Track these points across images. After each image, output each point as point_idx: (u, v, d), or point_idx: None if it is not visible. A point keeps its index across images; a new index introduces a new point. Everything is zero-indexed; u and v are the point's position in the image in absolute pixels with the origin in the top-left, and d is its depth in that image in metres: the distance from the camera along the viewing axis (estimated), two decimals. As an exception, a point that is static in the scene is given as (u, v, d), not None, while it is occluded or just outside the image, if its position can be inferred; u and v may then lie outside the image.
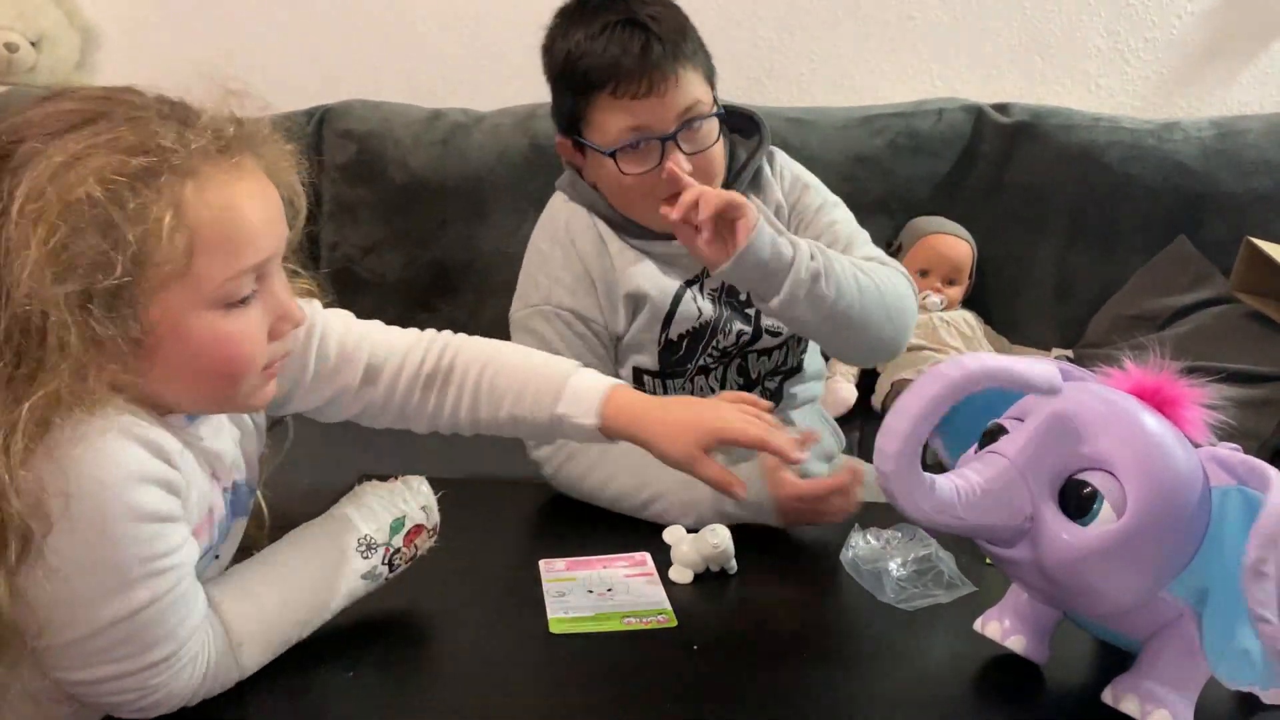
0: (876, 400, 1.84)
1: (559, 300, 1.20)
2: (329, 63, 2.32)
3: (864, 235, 1.27)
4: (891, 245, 1.93)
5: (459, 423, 0.99)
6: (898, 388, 1.78)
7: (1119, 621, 0.77)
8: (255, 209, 0.76)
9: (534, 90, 2.19)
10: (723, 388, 1.24)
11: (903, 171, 1.96)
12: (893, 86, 2.17)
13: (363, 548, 0.88)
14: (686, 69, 1.15)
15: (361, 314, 1.01)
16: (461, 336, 1.01)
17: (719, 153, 1.19)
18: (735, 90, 2.21)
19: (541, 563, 1.02)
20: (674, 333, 1.22)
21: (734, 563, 1.01)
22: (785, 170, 1.30)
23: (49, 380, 0.68)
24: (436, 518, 0.93)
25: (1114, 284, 1.91)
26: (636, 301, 1.21)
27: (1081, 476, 0.71)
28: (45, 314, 0.67)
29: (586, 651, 0.88)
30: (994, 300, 1.97)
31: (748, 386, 1.26)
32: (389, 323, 1.02)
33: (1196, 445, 0.74)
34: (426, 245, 1.99)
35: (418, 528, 0.91)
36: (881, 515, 1.03)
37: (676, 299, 1.22)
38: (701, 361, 1.24)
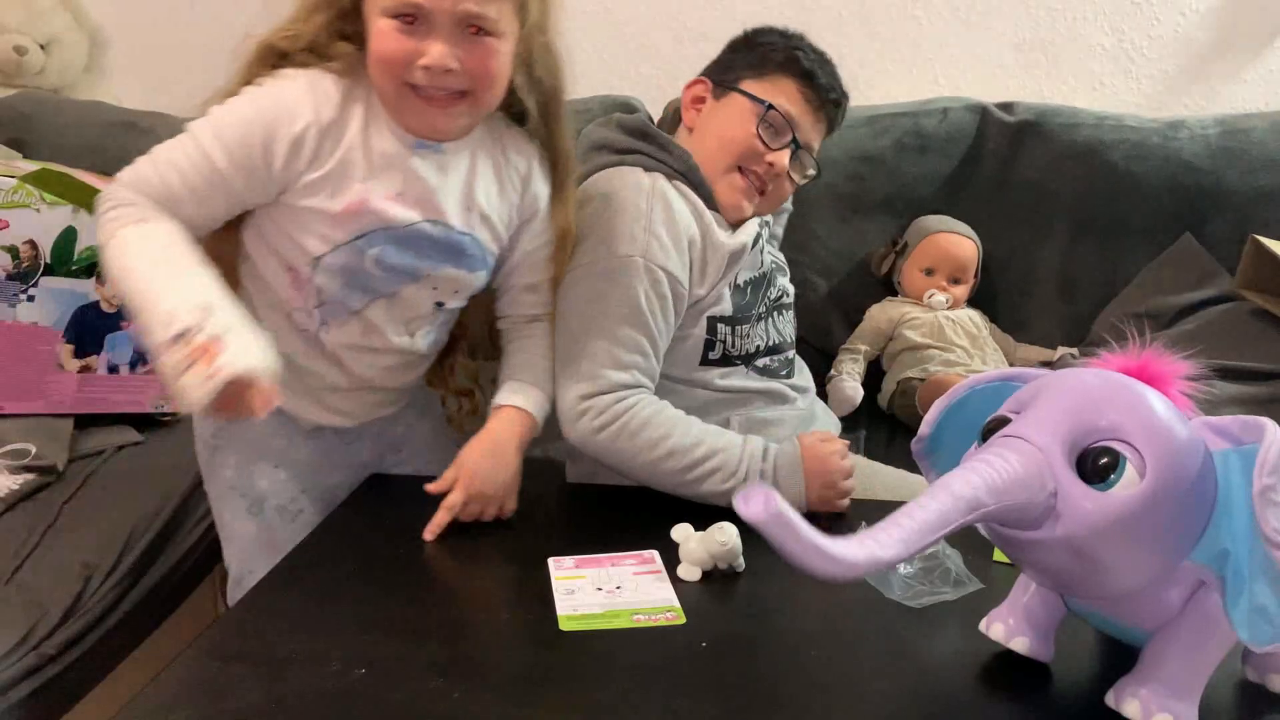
0: (882, 400, 1.84)
1: (654, 257, 1.19)
2: (335, 65, 2.33)
3: None
4: (897, 244, 1.94)
5: None
6: (903, 387, 1.78)
7: (1133, 606, 0.76)
8: None
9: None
10: (772, 342, 1.35)
11: (908, 170, 1.96)
12: (897, 86, 2.17)
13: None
14: (825, 130, 1.35)
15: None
16: None
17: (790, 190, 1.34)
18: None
19: (550, 560, 1.02)
20: (740, 279, 1.30)
21: (742, 560, 1.01)
22: None
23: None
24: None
25: (1119, 282, 1.91)
26: (733, 257, 1.27)
27: (1098, 447, 0.71)
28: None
29: (595, 648, 0.88)
30: (999, 299, 1.97)
31: (782, 344, 1.37)
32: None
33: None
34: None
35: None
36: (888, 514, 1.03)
37: (754, 243, 1.31)
38: (759, 310, 1.32)
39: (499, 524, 1.12)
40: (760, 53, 1.32)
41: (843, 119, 1.36)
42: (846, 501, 1.15)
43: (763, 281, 1.34)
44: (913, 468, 1.41)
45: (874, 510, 1.08)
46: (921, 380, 1.75)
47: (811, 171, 1.32)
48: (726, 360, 1.29)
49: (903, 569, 0.97)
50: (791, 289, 1.44)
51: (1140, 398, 0.72)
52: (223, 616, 0.95)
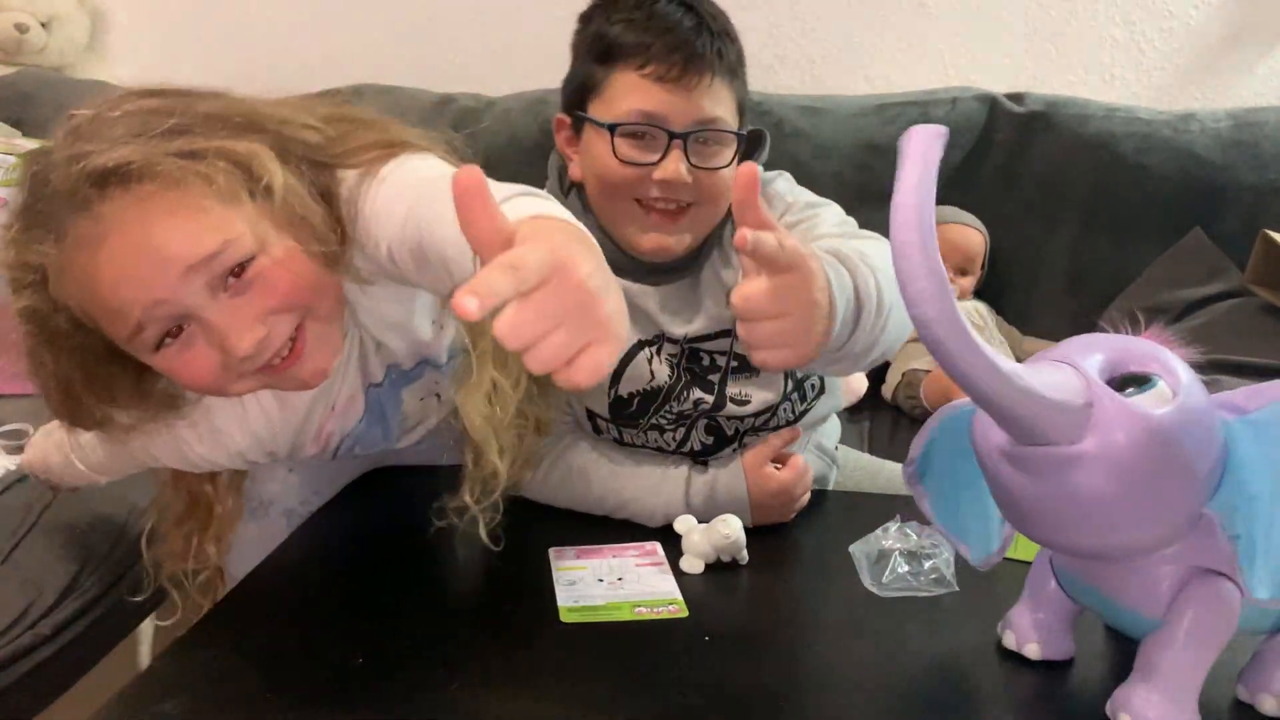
0: (887, 391, 1.83)
1: None
2: (339, 46, 2.32)
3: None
4: (903, 235, 1.92)
5: None
6: (909, 378, 1.77)
7: (1128, 580, 0.75)
8: (109, 274, 0.77)
9: (544, 75, 2.18)
10: (684, 444, 1.13)
11: (915, 160, 1.95)
12: (906, 75, 2.16)
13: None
14: (723, 81, 1.03)
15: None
16: None
17: (728, 180, 1.02)
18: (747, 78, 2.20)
19: (552, 551, 1.01)
20: (623, 390, 1.10)
21: (745, 553, 1.00)
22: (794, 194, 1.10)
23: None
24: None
25: (1128, 276, 1.90)
26: None
27: (1131, 371, 0.71)
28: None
29: (597, 641, 0.87)
30: (1006, 291, 1.96)
31: (720, 443, 1.13)
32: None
33: None
34: (436, 230, 1.98)
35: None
36: (892, 509, 1.03)
37: (627, 358, 1.08)
38: (654, 421, 1.11)
39: (499, 512, 1.10)
40: (591, 48, 1.05)
41: (733, 43, 1.06)
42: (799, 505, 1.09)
43: (655, 396, 1.09)
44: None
45: (877, 504, 1.07)
46: (926, 371, 1.74)
47: (721, 146, 1.03)
48: (624, 444, 1.15)
49: (900, 567, 0.96)
50: (737, 396, 1.10)
51: (1156, 346, 0.73)
52: (219, 604, 0.94)
